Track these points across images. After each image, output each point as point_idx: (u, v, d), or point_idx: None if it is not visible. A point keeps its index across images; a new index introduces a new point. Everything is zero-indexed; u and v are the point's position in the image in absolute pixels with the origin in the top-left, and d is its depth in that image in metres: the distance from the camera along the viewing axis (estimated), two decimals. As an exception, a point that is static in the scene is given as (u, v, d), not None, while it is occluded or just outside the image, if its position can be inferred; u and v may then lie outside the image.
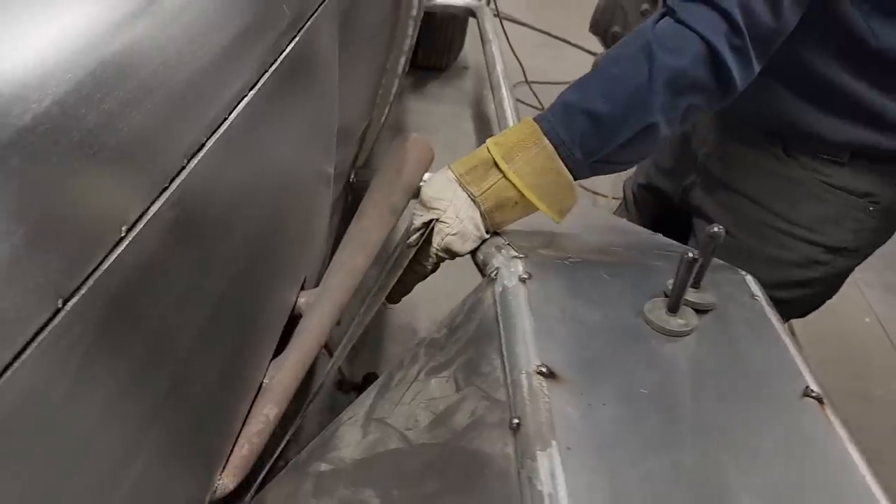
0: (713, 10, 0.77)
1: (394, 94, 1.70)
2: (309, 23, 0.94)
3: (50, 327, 0.42)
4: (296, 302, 1.08)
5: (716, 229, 0.68)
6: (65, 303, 0.43)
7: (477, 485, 0.59)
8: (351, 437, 0.81)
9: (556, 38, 3.54)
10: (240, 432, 0.86)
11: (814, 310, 1.23)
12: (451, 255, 0.88)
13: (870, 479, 0.57)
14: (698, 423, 0.59)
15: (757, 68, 0.82)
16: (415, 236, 0.89)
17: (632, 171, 1.44)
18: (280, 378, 0.95)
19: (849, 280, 1.15)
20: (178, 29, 0.59)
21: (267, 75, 0.77)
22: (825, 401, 0.63)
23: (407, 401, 0.76)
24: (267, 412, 0.90)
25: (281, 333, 1.01)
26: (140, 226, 0.51)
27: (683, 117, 0.83)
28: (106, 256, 0.47)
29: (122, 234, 0.49)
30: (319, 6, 0.99)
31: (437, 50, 3.45)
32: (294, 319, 1.05)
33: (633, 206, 1.43)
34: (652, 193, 1.36)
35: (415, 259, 0.90)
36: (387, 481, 0.70)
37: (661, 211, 1.33)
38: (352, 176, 1.74)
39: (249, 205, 0.79)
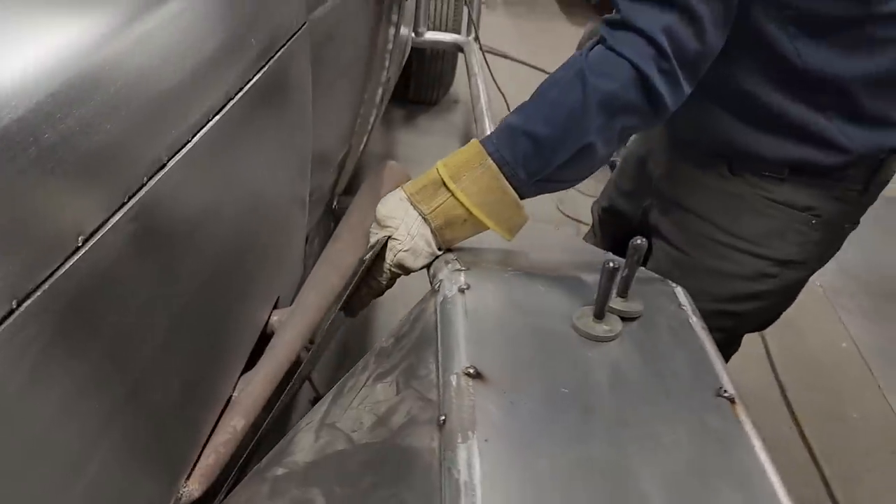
0: (640, 37, 0.83)
1: (372, 123, 1.77)
2: (278, 54, 1.00)
3: (4, 325, 0.46)
4: (268, 320, 1.13)
5: (638, 241, 0.73)
6: (19, 304, 0.47)
7: (406, 478, 0.63)
8: (305, 442, 0.85)
9: (539, 69, 3.65)
10: (207, 442, 0.90)
11: (772, 321, 1.27)
12: (405, 270, 0.93)
13: (771, 473, 0.61)
14: (613, 419, 0.64)
15: (687, 89, 0.88)
16: (369, 253, 0.93)
17: (598, 194, 1.50)
18: (249, 391, 0.99)
19: (826, 306, 1.18)
20: (142, 54, 0.64)
21: (232, 102, 0.82)
22: (737, 400, 0.67)
23: (355, 405, 0.80)
24: (234, 423, 0.94)
25: (252, 350, 1.05)
26: (97, 237, 0.55)
27: (619, 137, 0.88)
28: (62, 264, 0.51)
29: (79, 244, 0.53)
30: (289, 39, 1.05)
31: (427, 84, 3.54)
32: (267, 337, 1.10)
33: (598, 229, 1.48)
34: (614, 216, 1.41)
35: (370, 275, 0.95)
36: (331, 480, 0.74)
37: (624, 232, 1.39)
38: (334, 202, 1.80)
39: (215, 224, 0.83)
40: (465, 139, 3.44)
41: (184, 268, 0.74)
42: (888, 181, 1.10)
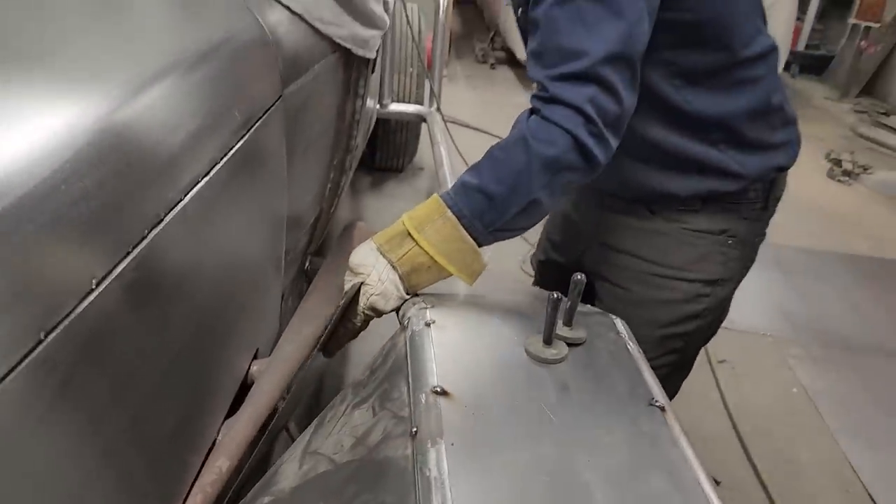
0: (570, 109, 0.96)
1: (342, 188, 1.89)
2: (257, 124, 1.12)
3: (34, 353, 0.55)
4: (249, 369, 1.21)
5: (578, 276, 0.85)
6: (46, 335, 0.56)
7: (384, 482, 0.72)
8: (290, 471, 0.93)
9: (498, 136, 3.83)
10: (194, 482, 0.98)
11: (713, 335, 1.40)
12: (377, 312, 1.03)
13: (695, 465, 0.71)
14: (560, 426, 0.74)
15: (614, 144, 1.01)
16: (344, 298, 1.04)
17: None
18: (232, 435, 1.07)
19: (777, 355, 1.30)
20: (142, 125, 0.75)
21: (217, 167, 0.93)
22: (666, 409, 0.78)
23: (335, 432, 0.89)
24: (220, 465, 1.02)
25: (234, 397, 1.13)
26: (108, 281, 0.64)
27: (562, 190, 1.01)
28: (80, 301, 0.60)
29: (93, 286, 0.63)
30: (266, 111, 1.17)
31: (392, 153, 3.70)
32: (247, 385, 1.18)
33: (540, 280, 1.61)
34: (551, 266, 1.55)
35: (346, 317, 1.05)
36: (316, 498, 0.82)
37: (564, 281, 1.51)
38: (306, 263, 1.90)
39: (201, 278, 0.93)
40: (431, 204, 3.59)
41: (174, 319, 0.83)
42: (781, 196, 1.29)
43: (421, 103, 3.44)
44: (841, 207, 4.33)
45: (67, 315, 0.59)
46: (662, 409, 0.78)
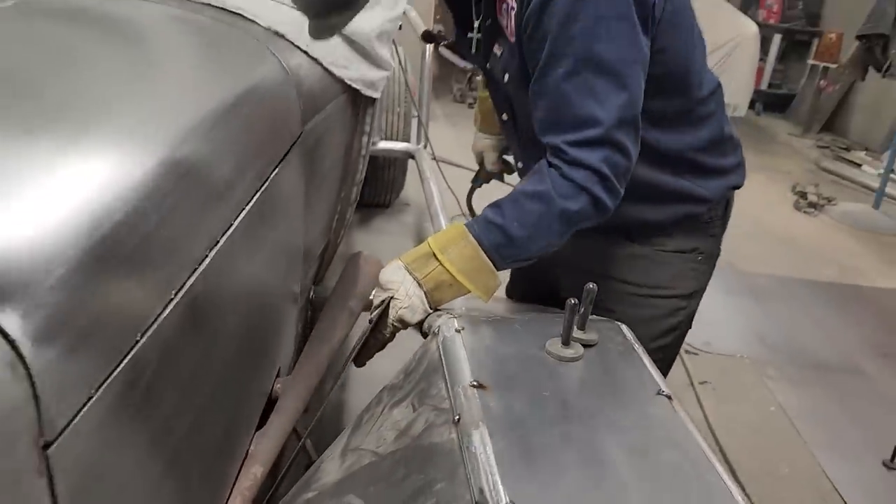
0: (588, 170, 1.09)
1: (348, 219, 2.00)
2: (283, 160, 1.23)
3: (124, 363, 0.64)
4: (273, 387, 1.32)
5: (590, 286, 0.97)
6: (118, 363, 0.65)
7: (432, 463, 0.83)
8: (331, 468, 1.03)
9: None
10: (233, 487, 1.07)
11: (682, 343, 1.53)
12: (404, 325, 1.14)
13: (700, 441, 0.83)
14: (581, 411, 0.86)
15: (622, 191, 1.15)
16: (375, 312, 1.15)
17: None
18: (264, 445, 1.17)
19: (754, 376, 1.42)
20: (194, 168, 0.84)
21: (252, 202, 1.04)
22: (672, 398, 0.90)
23: (375, 429, 1.00)
24: (255, 471, 1.12)
25: (262, 411, 1.23)
26: (165, 312, 0.72)
27: (570, 234, 1.16)
28: (146, 330, 0.69)
29: (155, 317, 0.71)
30: (290, 147, 1.29)
31: (380, 189, 3.83)
32: (273, 401, 1.28)
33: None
34: (525, 291, 1.67)
35: (375, 329, 1.16)
36: (364, 484, 0.92)
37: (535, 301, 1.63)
38: (311, 292, 2.01)
39: (236, 306, 1.03)
40: (418, 237, 3.71)
41: (217, 342, 0.92)
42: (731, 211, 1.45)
43: (408, 141, 3.58)
44: (807, 237, 4.54)
45: (138, 342, 0.68)
46: (669, 397, 0.90)
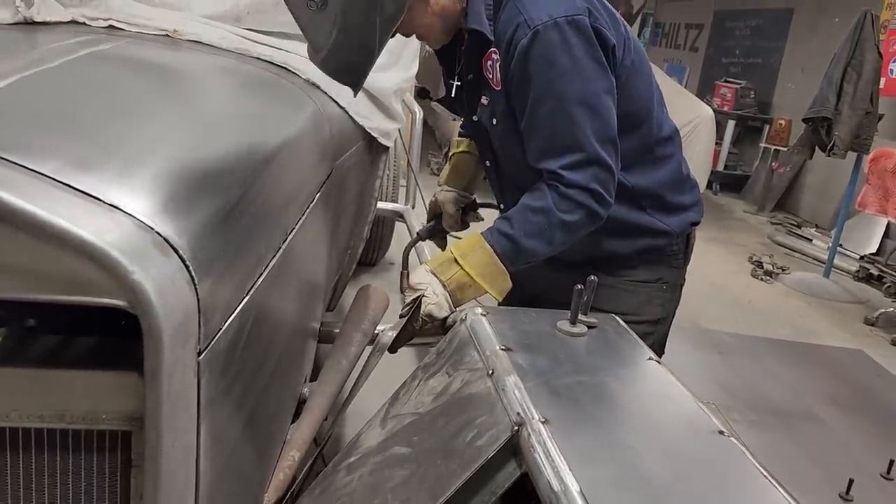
0: (580, 189, 1.33)
1: (359, 254, 2.22)
2: (321, 189, 1.46)
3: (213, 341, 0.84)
4: (301, 390, 1.52)
5: (592, 278, 1.20)
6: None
7: (472, 405, 1.03)
8: (371, 435, 1.22)
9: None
10: (275, 467, 1.26)
11: None
12: (433, 319, 1.35)
13: (691, 396, 1.05)
14: (590, 368, 1.07)
15: (612, 200, 1.38)
16: (406, 308, 1.36)
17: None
18: (299, 433, 1.37)
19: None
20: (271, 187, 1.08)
21: (302, 219, 1.27)
22: (661, 362, 1.12)
23: (414, 397, 1.20)
24: (293, 454, 1.31)
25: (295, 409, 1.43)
26: (240, 307, 0.93)
27: (570, 242, 1.38)
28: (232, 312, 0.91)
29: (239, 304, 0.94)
30: (326, 179, 1.52)
31: (369, 247, 4.04)
32: (302, 401, 1.48)
33: None
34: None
35: (408, 322, 1.37)
36: (408, 437, 1.12)
37: None
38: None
39: (284, 317, 1.24)
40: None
41: (270, 348, 1.13)
42: (693, 247, 1.66)
43: (396, 201, 3.82)
44: (764, 301, 4.85)
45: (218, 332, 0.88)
46: (658, 362, 1.13)
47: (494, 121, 1.48)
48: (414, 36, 1.46)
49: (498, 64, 1.40)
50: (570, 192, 1.34)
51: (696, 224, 1.64)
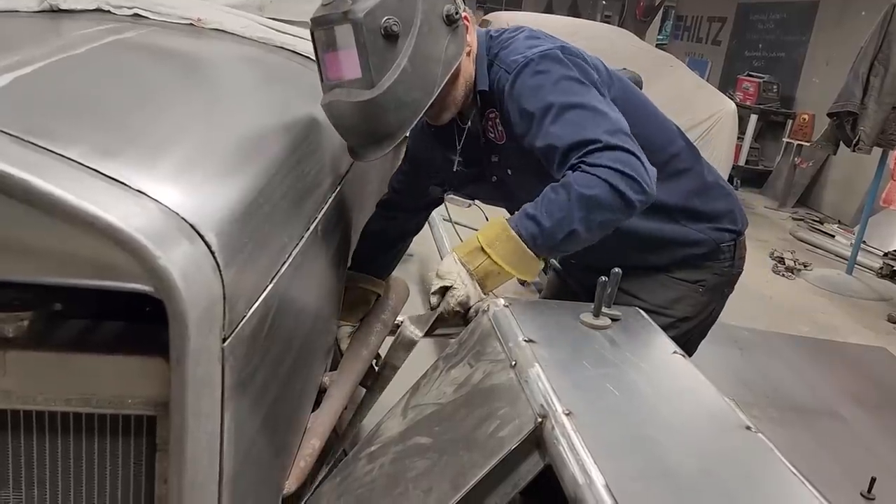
0: (603, 167, 1.27)
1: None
2: (342, 182, 1.45)
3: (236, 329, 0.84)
4: (321, 379, 1.52)
5: (616, 270, 1.18)
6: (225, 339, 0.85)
7: (495, 396, 1.03)
8: (392, 424, 1.22)
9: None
10: (296, 455, 1.27)
11: None
12: (464, 307, 1.34)
13: (713, 388, 1.04)
14: (614, 360, 1.06)
15: (648, 189, 1.30)
16: (435, 298, 1.36)
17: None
18: (319, 423, 1.37)
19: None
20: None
21: (325, 207, 1.27)
22: (685, 356, 1.11)
23: (435, 388, 1.19)
24: (313, 443, 1.31)
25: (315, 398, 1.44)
26: (263, 295, 0.93)
27: (599, 228, 1.32)
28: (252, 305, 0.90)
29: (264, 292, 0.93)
30: (345, 174, 1.51)
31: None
32: (323, 390, 1.48)
33: None
34: None
35: (437, 311, 1.36)
36: (429, 427, 1.11)
37: None
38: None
39: (308, 307, 1.24)
40: (421, 283, 3.91)
41: (294, 335, 1.14)
42: (744, 256, 1.66)
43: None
44: (785, 297, 4.80)
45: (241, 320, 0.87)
46: (683, 356, 1.11)
47: (510, 171, 1.55)
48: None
49: (497, 119, 1.49)
50: (592, 169, 1.31)
51: (734, 232, 1.63)
